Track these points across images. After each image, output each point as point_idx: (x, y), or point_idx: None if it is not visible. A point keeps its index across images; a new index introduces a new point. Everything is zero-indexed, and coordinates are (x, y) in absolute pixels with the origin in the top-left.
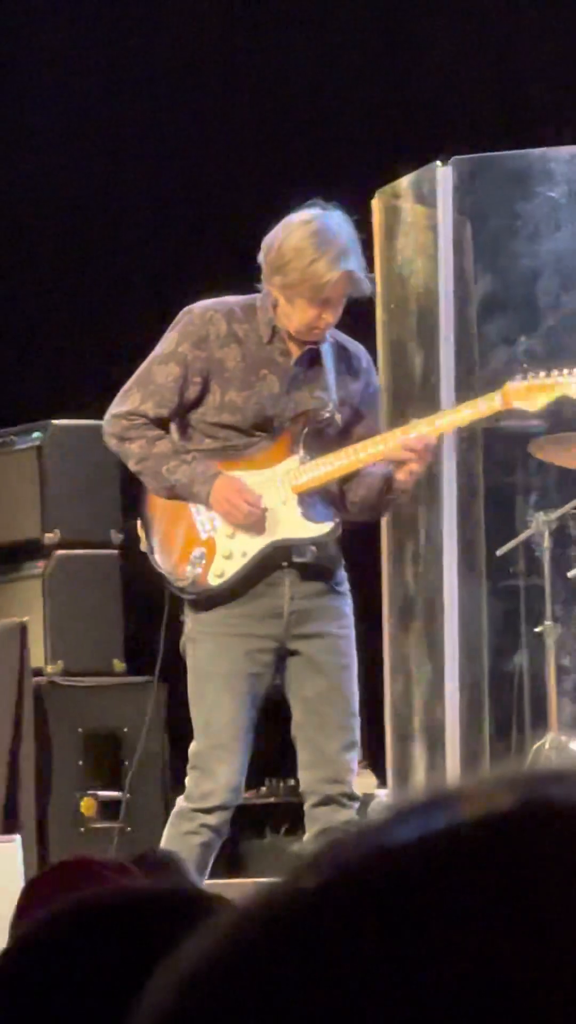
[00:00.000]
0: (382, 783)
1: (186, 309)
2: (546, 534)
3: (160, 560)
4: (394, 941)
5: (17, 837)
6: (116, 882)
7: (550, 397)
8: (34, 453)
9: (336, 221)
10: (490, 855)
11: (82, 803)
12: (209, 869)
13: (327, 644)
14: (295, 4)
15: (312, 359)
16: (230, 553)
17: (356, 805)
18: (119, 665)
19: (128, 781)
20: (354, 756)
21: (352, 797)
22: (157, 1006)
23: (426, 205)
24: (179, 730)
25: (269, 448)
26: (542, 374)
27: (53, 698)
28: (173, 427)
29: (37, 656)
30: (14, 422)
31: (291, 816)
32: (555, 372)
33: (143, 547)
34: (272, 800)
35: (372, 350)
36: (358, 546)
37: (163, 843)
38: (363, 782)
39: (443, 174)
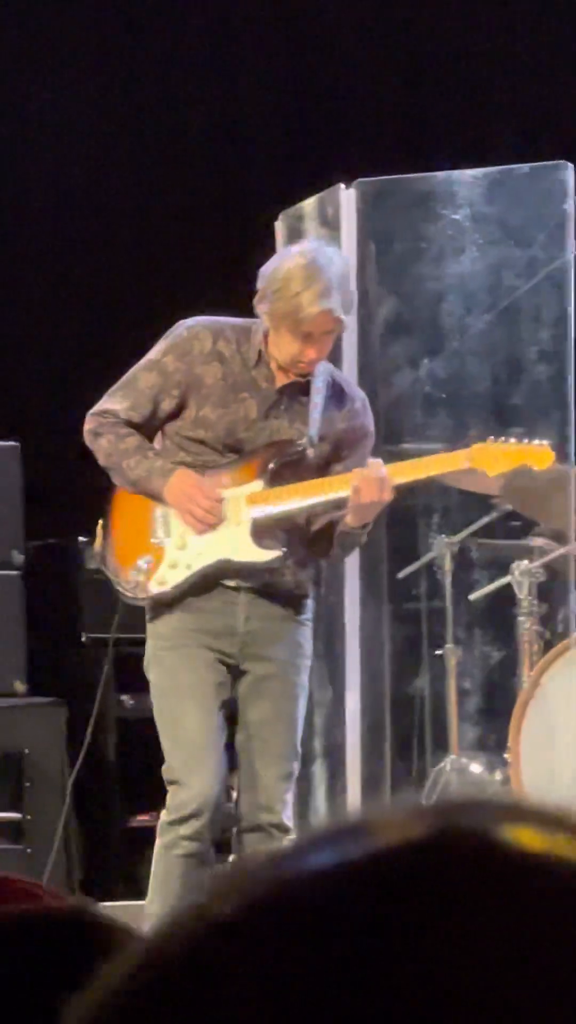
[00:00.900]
0: None
1: (180, 322)
2: (448, 557)
3: (109, 562)
4: (308, 971)
5: None
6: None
7: (512, 465)
8: None
9: (329, 258)
10: (403, 884)
11: None
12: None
13: (277, 669)
14: (200, 27)
15: (301, 392)
16: (175, 563)
17: (285, 837)
18: (20, 686)
19: (26, 803)
20: (290, 787)
21: (282, 828)
22: None
23: (330, 227)
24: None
25: (237, 470)
26: (512, 440)
27: None
28: (157, 437)
29: None
30: None
31: None
32: (525, 439)
33: (96, 548)
34: None
35: None
36: None
37: (153, 862)
38: None
39: (347, 196)
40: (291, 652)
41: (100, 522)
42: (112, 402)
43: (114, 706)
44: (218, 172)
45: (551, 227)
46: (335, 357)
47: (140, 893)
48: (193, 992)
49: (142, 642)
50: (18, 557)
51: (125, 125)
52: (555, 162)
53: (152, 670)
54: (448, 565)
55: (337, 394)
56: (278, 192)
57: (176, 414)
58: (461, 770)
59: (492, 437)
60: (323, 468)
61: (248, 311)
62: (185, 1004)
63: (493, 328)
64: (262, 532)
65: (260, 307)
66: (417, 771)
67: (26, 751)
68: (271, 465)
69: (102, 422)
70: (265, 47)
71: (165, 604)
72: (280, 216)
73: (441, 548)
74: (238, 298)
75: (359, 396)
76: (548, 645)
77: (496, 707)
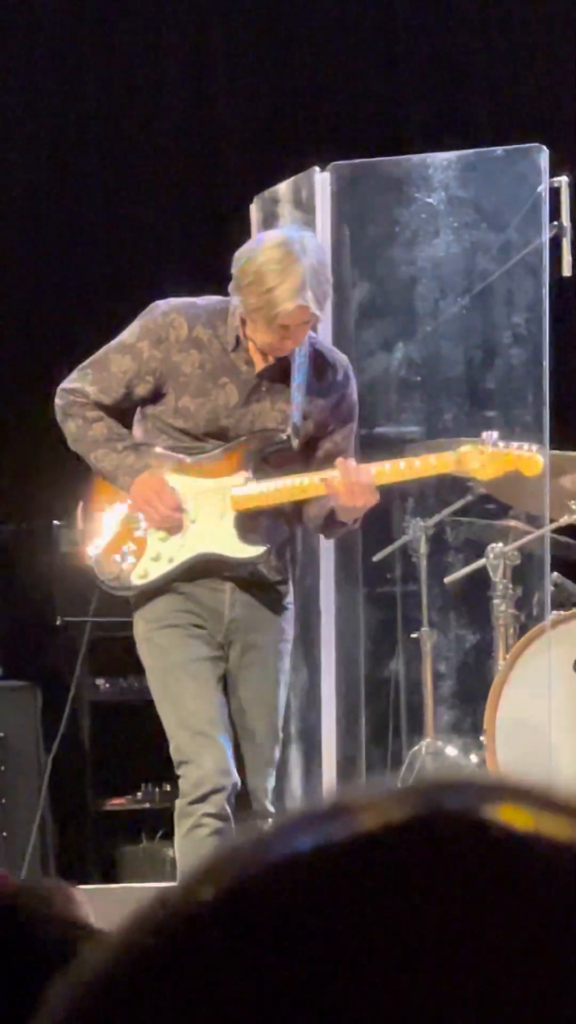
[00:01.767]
0: None
1: (153, 304)
2: (423, 540)
3: (90, 550)
4: (293, 954)
5: None
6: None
7: (503, 470)
8: None
9: (303, 248)
10: (391, 866)
11: None
12: None
13: (260, 657)
14: (177, 8)
15: (281, 371)
16: (158, 555)
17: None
18: None
19: (1, 787)
20: (271, 773)
21: (263, 815)
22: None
23: (304, 211)
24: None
25: (221, 459)
26: (501, 444)
27: None
28: (136, 418)
29: None
30: None
31: (167, 822)
32: (514, 444)
33: (77, 532)
34: (147, 806)
35: None
36: None
37: (175, 847)
38: None
39: (321, 180)
40: (274, 637)
41: (80, 505)
42: (83, 381)
43: (89, 690)
44: (193, 154)
45: (525, 210)
46: None
47: (115, 877)
48: (173, 981)
49: (117, 626)
50: None
51: (100, 107)
52: (529, 145)
53: (144, 653)
54: (423, 548)
55: (318, 367)
56: (253, 175)
57: (152, 398)
58: (436, 753)
59: (484, 436)
60: (310, 447)
61: (223, 293)
62: (165, 993)
63: (468, 312)
64: (246, 526)
65: (234, 297)
66: (392, 754)
67: (1, 735)
68: (255, 455)
69: (72, 401)
70: (241, 30)
71: (140, 593)
72: (255, 199)
73: (416, 531)
74: (213, 280)
75: (341, 364)
76: (523, 628)
77: (471, 690)
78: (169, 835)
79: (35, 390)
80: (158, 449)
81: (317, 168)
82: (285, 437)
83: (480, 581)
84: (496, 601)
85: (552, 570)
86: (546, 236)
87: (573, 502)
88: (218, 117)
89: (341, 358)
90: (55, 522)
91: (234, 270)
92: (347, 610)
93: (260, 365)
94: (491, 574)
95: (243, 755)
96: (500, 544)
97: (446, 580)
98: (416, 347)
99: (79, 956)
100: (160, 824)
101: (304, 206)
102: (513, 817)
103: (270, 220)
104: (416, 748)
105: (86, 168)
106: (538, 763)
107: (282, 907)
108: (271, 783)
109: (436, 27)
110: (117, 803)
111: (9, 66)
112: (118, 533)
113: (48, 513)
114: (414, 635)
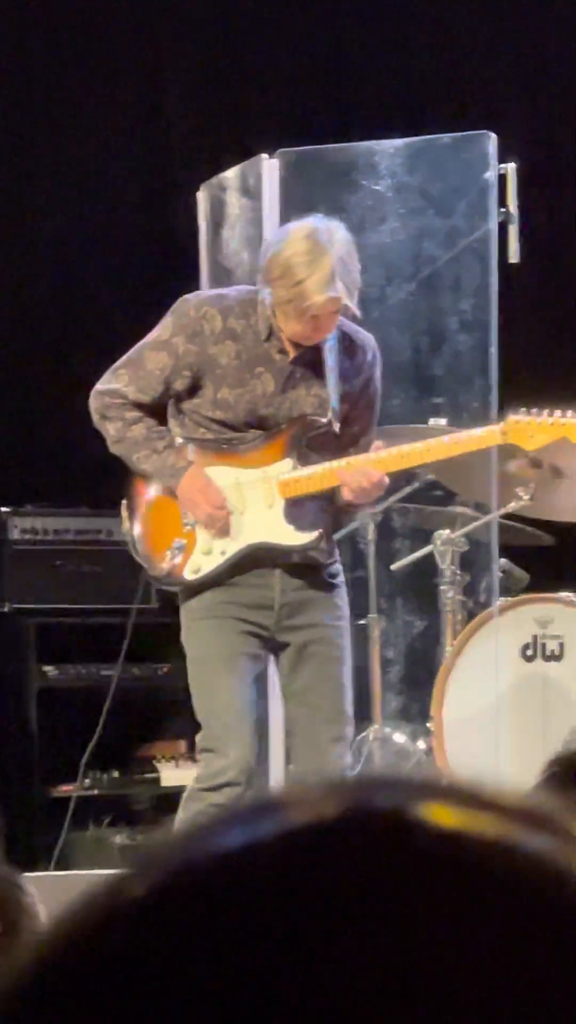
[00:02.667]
0: None
1: (182, 298)
2: (371, 527)
3: (140, 547)
4: (222, 951)
5: None
6: None
7: (551, 439)
8: None
9: (330, 238)
10: (314, 864)
11: None
12: None
13: (318, 634)
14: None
15: (313, 356)
16: (209, 549)
17: None
18: None
19: None
20: (344, 750)
21: None
22: None
23: (252, 197)
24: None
25: (263, 448)
26: (545, 412)
27: None
28: (170, 413)
29: None
30: None
31: (114, 808)
32: (558, 413)
33: (124, 530)
34: (95, 792)
35: None
36: None
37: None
38: (191, 775)
39: (269, 166)
40: (329, 616)
41: (124, 503)
42: (118, 381)
43: (36, 676)
44: (140, 141)
45: (473, 197)
46: None
47: (62, 864)
48: (101, 979)
49: (66, 612)
50: None
51: (45, 95)
52: (477, 132)
53: (187, 641)
54: (371, 535)
55: (348, 348)
56: (200, 161)
57: (190, 393)
58: (384, 739)
59: (524, 410)
60: (344, 430)
61: (169, 283)
62: (94, 992)
63: (415, 298)
64: (296, 513)
65: (263, 288)
66: None
67: None
68: (298, 442)
69: (109, 403)
70: (188, 16)
71: (193, 586)
72: (202, 186)
73: (364, 518)
74: (160, 266)
75: (370, 345)
76: (471, 615)
77: (419, 676)
78: (116, 822)
79: None
80: (199, 442)
81: (265, 155)
82: (326, 421)
83: (428, 568)
84: (444, 588)
85: (500, 556)
86: (494, 223)
87: (520, 488)
88: (165, 103)
89: (368, 339)
90: (3, 509)
91: (261, 262)
92: None
93: (292, 353)
94: (439, 561)
95: (311, 736)
96: (448, 531)
97: (393, 567)
98: None
99: (9, 954)
100: (108, 811)
101: (252, 193)
102: (441, 815)
103: (217, 207)
104: (364, 734)
105: (31, 154)
106: (485, 749)
107: (212, 904)
108: (345, 760)
109: (382, 13)
110: (65, 790)
111: None
112: (167, 529)
113: None
114: (362, 621)
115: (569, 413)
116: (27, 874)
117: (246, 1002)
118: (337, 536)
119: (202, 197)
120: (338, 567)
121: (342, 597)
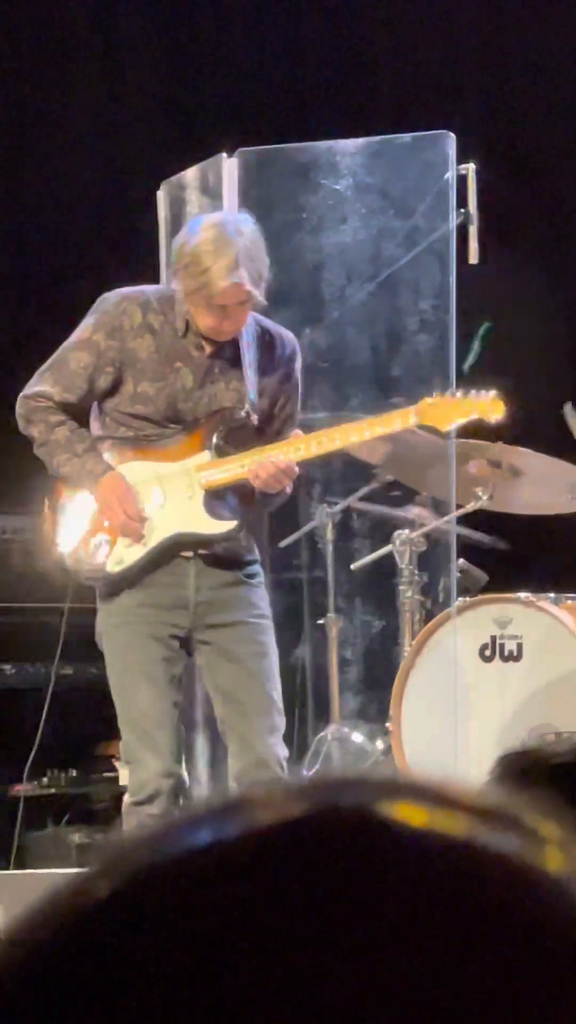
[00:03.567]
0: None
1: (102, 296)
2: (329, 526)
3: (61, 543)
4: (187, 951)
5: None
6: None
7: (463, 416)
8: None
9: (237, 229)
10: (280, 864)
11: None
12: None
13: (238, 633)
14: None
15: (232, 352)
16: (131, 542)
17: None
18: None
19: None
20: (278, 740)
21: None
22: None
23: (211, 196)
24: None
25: (183, 441)
26: (459, 393)
27: None
28: (93, 415)
29: None
30: None
31: (72, 807)
32: (472, 392)
33: (46, 528)
34: (53, 791)
35: None
36: None
37: None
38: None
39: (228, 166)
40: (248, 613)
41: (46, 501)
42: (44, 383)
43: None
44: (99, 140)
45: (432, 197)
46: None
47: (21, 863)
48: (65, 979)
49: (12, 611)
50: None
51: (5, 94)
52: (437, 132)
53: (104, 648)
54: (330, 534)
55: (267, 343)
56: (160, 161)
57: (112, 390)
58: (342, 739)
59: (438, 393)
60: (264, 424)
61: (128, 282)
62: (56, 991)
63: (374, 298)
64: (215, 503)
65: (174, 283)
66: (298, 740)
67: None
68: (216, 434)
69: (34, 407)
70: (147, 15)
71: (114, 580)
72: (162, 185)
73: (323, 517)
74: (119, 266)
75: (289, 340)
76: (429, 614)
77: (377, 676)
78: (74, 820)
79: None
80: (119, 440)
81: (224, 154)
82: (244, 415)
83: (386, 567)
84: (402, 587)
85: (458, 556)
86: (453, 223)
87: (479, 488)
88: (125, 103)
89: (287, 334)
90: None
91: (173, 256)
92: None
93: (210, 348)
94: (397, 560)
95: (243, 732)
96: (406, 530)
97: (352, 566)
98: (322, 333)
99: None
100: (66, 810)
101: (211, 192)
102: (407, 814)
103: (177, 206)
104: (322, 734)
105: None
106: (444, 749)
107: (178, 904)
108: (281, 751)
109: (343, 12)
110: (23, 789)
111: None
112: (88, 525)
113: None
114: (320, 621)
115: (483, 392)
116: None
117: (214, 1002)
118: (294, 537)
119: (162, 196)
120: (258, 568)
121: (260, 596)
